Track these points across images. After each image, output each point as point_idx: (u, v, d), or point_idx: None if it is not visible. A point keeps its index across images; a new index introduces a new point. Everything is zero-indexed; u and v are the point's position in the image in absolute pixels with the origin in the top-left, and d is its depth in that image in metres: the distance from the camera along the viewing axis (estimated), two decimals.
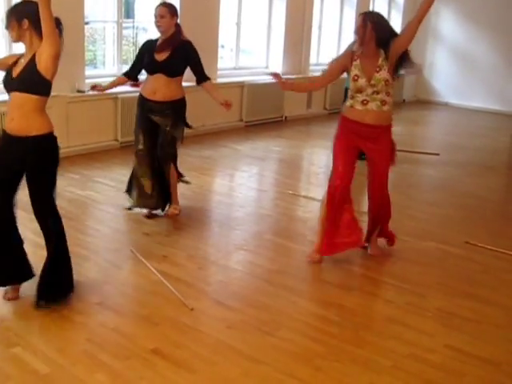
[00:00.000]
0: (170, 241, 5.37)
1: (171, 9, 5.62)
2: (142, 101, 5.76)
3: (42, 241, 4.11)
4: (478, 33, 13.59)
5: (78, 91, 7.93)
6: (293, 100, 11.25)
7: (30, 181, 3.98)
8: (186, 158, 7.93)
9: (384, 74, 4.68)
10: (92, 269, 4.74)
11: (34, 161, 3.93)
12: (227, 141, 9.28)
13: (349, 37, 12.50)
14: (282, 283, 4.62)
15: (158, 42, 5.67)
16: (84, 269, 4.70)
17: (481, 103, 13.51)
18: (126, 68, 8.71)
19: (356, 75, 4.74)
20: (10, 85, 3.92)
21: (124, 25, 8.85)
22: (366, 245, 5.22)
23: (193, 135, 9.28)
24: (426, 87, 14.56)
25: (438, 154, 9.01)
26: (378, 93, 4.71)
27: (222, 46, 10.66)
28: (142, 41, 8.55)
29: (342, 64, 4.88)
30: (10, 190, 4.02)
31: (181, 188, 6.06)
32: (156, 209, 5.87)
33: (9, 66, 3.99)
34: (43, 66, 3.81)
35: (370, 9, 13.23)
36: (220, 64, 10.15)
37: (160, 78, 5.61)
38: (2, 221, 4.03)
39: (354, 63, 4.76)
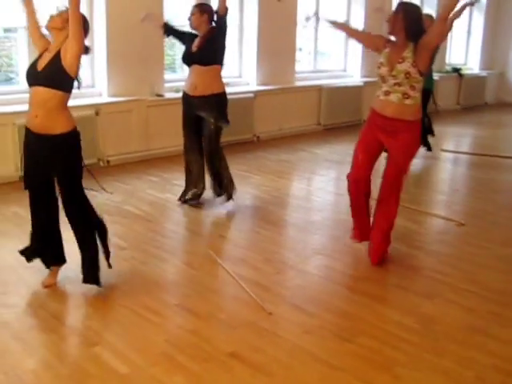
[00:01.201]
0: (248, 244, 5.37)
1: (201, 7, 5.94)
2: (186, 97, 6.06)
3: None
4: None
5: (157, 95, 8.05)
6: (371, 103, 11.12)
7: (61, 180, 4.09)
8: (264, 162, 7.95)
9: (406, 66, 4.55)
10: (170, 270, 4.79)
11: (61, 160, 4.00)
12: (305, 144, 9.25)
13: None
14: (360, 289, 4.55)
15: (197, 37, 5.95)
16: (162, 270, 4.76)
17: None
18: None
19: (380, 62, 4.70)
20: (35, 78, 3.94)
21: None
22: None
23: (270, 138, 9.34)
24: (509, 89, 14.16)
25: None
26: (399, 85, 4.60)
27: (300, 49, 10.64)
28: None
29: (377, 41, 4.88)
30: (48, 189, 4.15)
31: (259, 192, 6.07)
32: (199, 195, 6.21)
33: (41, 45, 4.06)
34: (68, 63, 3.86)
35: None
36: (298, 67, 10.13)
37: (196, 70, 5.90)
38: (47, 221, 4.24)
39: (384, 50, 4.72)
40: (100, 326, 3.90)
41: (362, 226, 5.11)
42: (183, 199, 6.22)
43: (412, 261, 5.11)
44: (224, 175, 6.10)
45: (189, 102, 6.01)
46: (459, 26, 13.26)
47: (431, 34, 4.54)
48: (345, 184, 7.58)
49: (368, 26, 10.92)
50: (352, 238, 5.22)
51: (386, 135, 4.74)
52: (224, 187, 6.12)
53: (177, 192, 6.58)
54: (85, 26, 3.97)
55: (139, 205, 6.13)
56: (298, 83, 10.00)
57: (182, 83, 8.59)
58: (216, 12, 5.85)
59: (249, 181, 7.18)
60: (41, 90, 3.89)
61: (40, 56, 4.01)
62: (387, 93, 4.68)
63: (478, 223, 5.90)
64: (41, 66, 3.92)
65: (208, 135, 5.97)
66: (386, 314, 4.18)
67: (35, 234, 4.26)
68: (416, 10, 4.72)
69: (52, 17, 3.99)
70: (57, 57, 3.88)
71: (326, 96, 10.30)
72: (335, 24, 5.44)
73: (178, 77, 8.99)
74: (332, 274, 4.81)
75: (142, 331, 3.83)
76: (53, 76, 3.87)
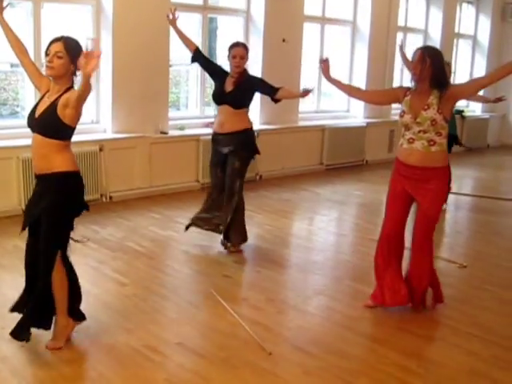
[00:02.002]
0: (250, 284, 5.35)
1: (247, 49, 5.84)
2: (214, 136, 6.02)
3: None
4: None
5: (162, 132, 8.10)
6: (374, 144, 11.22)
7: (42, 221, 3.82)
8: (266, 201, 7.96)
9: (432, 112, 4.43)
10: (172, 309, 4.77)
11: (48, 197, 3.79)
12: (307, 184, 9.27)
13: None
14: (361, 330, 4.53)
15: (228, 77, 5.83)
16: (164, 308, 4.74)
17: None
18: (208, 110, 8.95)
19: (403, 111, 4.58)
20: (32, 125, 3.83)
21: None
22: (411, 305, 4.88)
23: (273, 178, 9.36)
24: (511, 131, 14.23)
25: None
26: (425, 132, 4.46)
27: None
28: None
29: (396, 93, 4.76)
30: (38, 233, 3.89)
31: (261, 231, 6.06)
32: (213, 231, 6.10)
33: (43, 86, 3.88)
34: (68, 114, 3.69)
35: (454, 51, 13.15)
36: (301, 107, 10.20)
37: (226, 110, 5.81)
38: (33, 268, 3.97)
39: (405, 99, 4.60)
40: (99, 364, 3.86)
41: (382, 286, 4.83)
42: (193, 218, 6.19)
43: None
44: (236, 220, 5.96)
45: (216, 139, 5.96)
46: (462, 68, 13.42)
47: (469, 88, 4.53)
48: (347, 224, 7.68)
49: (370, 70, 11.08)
50: (370, 300, 4.92)
51: (412, 185, 4.59)
52: (232, 232, 5.99)
53: (179, 230, 6.58)
54: (78, 48, 3.74)
55: (141, 241, 6.13)
56: (302, 123, 10.07)
57: (186, 121, 8.76)
58: (275, 90, 5.79)
59: (251, 220, 7.17)
60: (37, 136, 3.78)
61: (41, 98, 3.88)
62: (411, 140, 4.53)
63: (480, 265, 5.87)
64: (38, 111, 3.80)
65: (230, 174, 5.88)
66: (387, 356, 4.15)
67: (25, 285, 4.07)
68: (441, 56, 4.58)
69: (48, 65, 3.72)
70: (53, 106, 3.72)
71: (329, 136, 10.36)
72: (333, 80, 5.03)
73: (182, 114, 9.09)
74: (333, 315, 4.79)
75: (142, 370, 3.80)
76: (48, 126, 3.75)
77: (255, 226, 6.96)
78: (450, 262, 6.07)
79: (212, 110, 8.94)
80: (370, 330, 4.54)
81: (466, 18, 13.58)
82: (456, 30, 13.15)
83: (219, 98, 5.88)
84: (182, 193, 8.21)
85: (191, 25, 8.93)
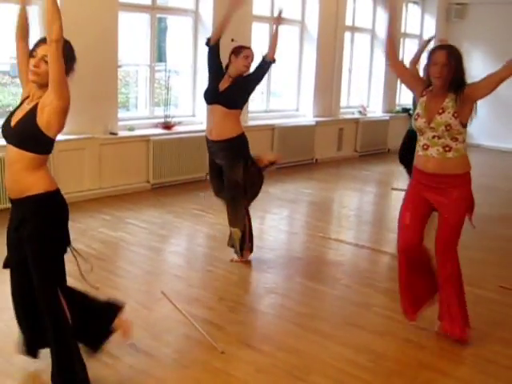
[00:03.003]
0: (201, 283, 5.36)
1: (253, 51, 5.73)
2: (207, 142, 5.69)
3: None
4: None
5: (111, 133, 8.04)
6: (323, 142, 11.33)
7: (28, 255, 3.32)
8: (216, 201, 7.96)
9: (447, 117, 4.09)
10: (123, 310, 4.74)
11: (29, 227, 3.28)
12: None
13: (379, 79, 12.62)
14: (312, 327, 4.57)
15: (226, 76, 5.59)
16: None
17: (510, 144, 13.41)
18: (158, 110, 8.91)
19: (417, 114, 4.25)
20: (6, 135, 3.33)
21: (156, 68, 8.99)
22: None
23: None
24: None
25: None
26: (439, 137, 4.14)
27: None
28: (173, 83, 8.73)
29: (418, 83, 4.40)
30: (27, 269, 3.37)
31: (212, 230, 6.06)
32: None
33: (27, 89, 3.42)
34: (45, 120, 3.20)
35: (401, 51, 13.34)
36: (251, 107, 10.22)
37: (217, 111, 5.50)
38: (27, 305, 3.59)
39: (421, 99, 4.27)
40: (48, 366, 3.82)
41: (413, 302, 4.55)
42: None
43: (363, 298, 5.15)
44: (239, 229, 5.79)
45: (208, 146, 5.68)
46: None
47: (485, 88, 4.13)
48: (298, 222, 7.74)
49: None
50: (408, 318, 4.60)
51: (432, 193, 4.27)
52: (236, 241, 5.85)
53: (130, 231, 6.55)
54: (70, 52, 3.45)
55: (91, 243, 6.08)
56: (251, 122, 10.08)
57: (136, 121, 8.70)
58: (264, 57, 5.71)
59: (202, 219, 7.19)
60: (12, 148, 3.27)
61: (20, 104, 3.41)
62: (425, 147, 4.21)
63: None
64: (15, 120, 3.29)
65: (227, 186, 5.67)
66: (338, 352, 4.20)
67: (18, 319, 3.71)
68: (462, 58, 4.22)
69: (33, 70, 3.27)
70: (32, 112, 3.23)
71: (279, 135, 10.41)
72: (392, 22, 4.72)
73: (131, 115, 9.03)
74: (284, 313, 4.83)
75: (93, 372, 3.76)
76: (23, 136, 3.24)
77: (206, 225, 6.98)
78: None
79: (161, 110, 8.94)
80: (321, 326, 4.59)
81: (412, 17, 13.79)
82: (402, 30, 13.35)
83: (211, 96, 5.57)
84: (133, 194, 8.17)
85: (140, 25, 8.89)
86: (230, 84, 5.54)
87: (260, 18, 10.21)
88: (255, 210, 8.04)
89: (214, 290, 5.21)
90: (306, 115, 11.35)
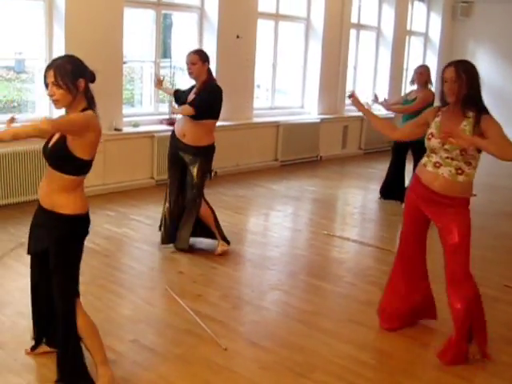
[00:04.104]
0: (205, 280, 5.36)
1: (202, 56, 5.69)
2: (173, 138, 5.86)
3: None
4: None
5: (116, 129, 8.04)
6: (328, 140, 11.31)
7: (50, 263, 3.45)
8: (222, 197, 7.97)
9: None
10: (126, 306, 4.75)
11: (53, 241, 3.38)
12: (262, 180, 9.30)
13: (384, 77, 12.60)
14: (316, 324, 4.57)
15: (195, 87, 5.78)
16: (118, 306, 4.72)
17: None
18: (163, 106, 8.92)
19: (431, 134, 4.06)
20: (45, 155, 3.41)
21: (161, 64, 8.99)
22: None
23: (227, 174, 9.36)
24: None
25: (474, 195, 8.90)
26: (452, 159, 3.97)
27: (258, 86, 10.76)
28: (178, 80, 8.74)
29: (426, 117, 4.22)
30: (46, 265, 3.50)
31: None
32: (166, 243, 6.00)
33: None
34: (77, 145, 3.27)
35: (406, 49, 13.32)
36: (256, 104, 10.23)
37: (187, 120, 5.67)
38: (44, 297, 3.67)
39: (436, 119, 4.09)
40: (52, 363, 3.83)
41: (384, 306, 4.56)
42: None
43: (367, 296, 5.15)
44: (211, 226, 5.98)
45: (176, 142, 5.80)
46: (414, 64, 13.58)
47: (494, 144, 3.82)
48: (302, 219, 7.73)
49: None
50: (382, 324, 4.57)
51: (432, 210, 4.15)
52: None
53: (134, 227, 6.56)
54: (83, 68, 3.36)
55: (96, 239, 6.08)
56: (256, 119, 10.09)
57: (140, 118, 8.70)
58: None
59: None
60: (49, 168, 3.37)
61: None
62: (437, 165, 4.03)
63: (430, 259, 5.96)
64: (53, 140, 3.34)
65: (190, 183, 5.80)
66: (341, 349, 4.20)
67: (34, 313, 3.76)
68: (477, 71, 4.00)
69: (52, 99, 3.31)
70: (63, 136, 3.28)
71: (283, 132, 10.40)
72: (369, 113, 4.61)
73: (136, 111, 9.03)
74: (288, 310, 4.83)
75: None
76: (56, 157, 3.32)
77: None
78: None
79: (166, 106, 8.94)
80: (325, 324, 4.59)
81: (418, 15, 13.76)
82: (408, 28, 13.32)
83: (180, 105, 5.80)
84: (137, 190, 8.17)
85: (145, 21, 8.89)
86: (196, 95, 5.69)
87: (265, 15, 10.19)
88: (259, 207, 8.07)
89: (218, 286, 5.22)
90: (311, 112, 11.33)
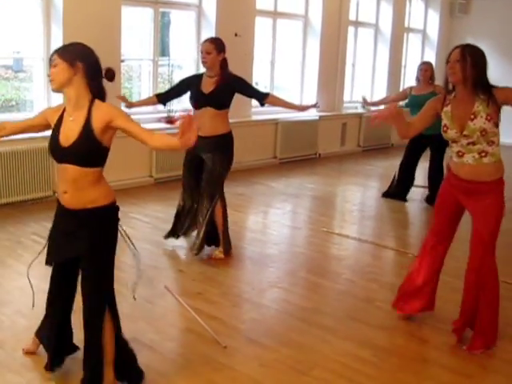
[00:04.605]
0: (204, 278, 5.35)
1: (218, 45, 5.55)
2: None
3: None
4: None
5: None
6: (326, 137, 11.31)
7: (83, 263, 3.38)
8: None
9: (480, 122, 3.88)
10: (125, 304, 4.73)
11: (88, 236, 3.30)
12: (261, 178, 9.31)
13: (382, 74, 12.60)
14: (316, 322, 4.57)
15: (204, 77, 5.63)
16: (118, 304, 4.68)
17: None
18: (161, 105, 8.88)
19: (445, 125, 4.04)
20: (61, 155, 3.27)
21: (159, 62, 8.98)
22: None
23: None
24: None
25: None
26: (474, 144, 3.95)
27: (256, 84, 10.73)
28: (177, 78, 8.72)
29: (433, 107, 4.17)
30: (71, 274, 3.55)
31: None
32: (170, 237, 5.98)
33: (48, 125, 3.40)
34: (109, 136, 3.29)
35: (404, 46, 13.32)
36: (254, 101, 10.18)
37: (207, 112, 5.51)
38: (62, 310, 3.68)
39: (445, 109, 4.06)
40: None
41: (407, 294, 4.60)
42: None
43: (366, 293, 5.15)
44: (219, 226, 5.81)
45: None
46: (412, 61, 13.59)
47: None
48: (301, 217, 7.72)
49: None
50: (398, 310, 4.67)
51: (465, 197, 4.14)
52: (218, 238, 5.85)
53: (133, 225, 6.55)
54: (86, 54, 3.42)
55: None
56: (255, 117, 10.09)
57: (138, 116, 8.68)
58: (263, 96, 5.83)
59: None
60: (70, 168, 3.24)
61: (58, 124, 3.31)
62: (460, 154, 4.03)
63: None
64: (67, 139, 3.23)
65: (206, 179, 5.66)
66: (341, 347, 4.20)
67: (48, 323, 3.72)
68: (484, 56, 3.99)
69: (50, 80, 3.31)
70: (88, 129, 3.22)
71: (282, 130, 10.41)
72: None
73: (134, 110, 8.96)
74: (287, 307, 4.83)
75: None
76: (85, 154, 3.23)
77: None
78: (403, 253, 6.15)
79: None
80: (325, 321, 4.58)
81: (416, 12, 13.75)
82: (406, 25, 13.32)
83: (198, 100, 5.59)
84: (136, 188, 8.17)
85: (143, 19, 8.88)
86: (216, 85, 5.55)
87: (263, 12, 10.19)
88: (258, 204, 8.07)
89: (218, 284, 5.21)
90: (310, 110, 11.30)
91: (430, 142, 7.77)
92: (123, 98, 5.98)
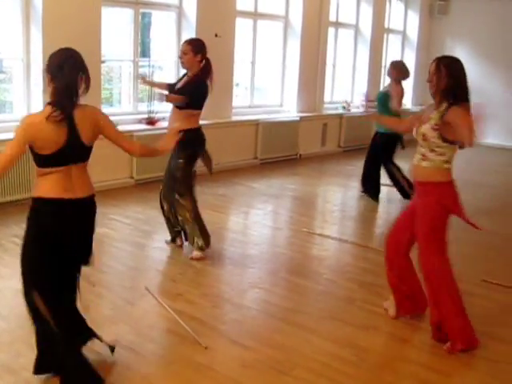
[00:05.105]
0: (185, 279, 5.35)
1: (194, 46, 5.57)
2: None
3: None
4: (491, 70, 13.67)
5: None
6: (307, 138, 11.33)
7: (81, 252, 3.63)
8: (201, 196, 7.93)
9: (427, 127, 4.13)
10: (106, 306, 4.73)
11: (91, 225, 3.63)
12: (242, 178, 9.31)
13: (362, 75, 12.66)
14: (296, 322, 4.59)
15: (185, 77, 5.73)
16: (98, 306, 4.70)
17: (494, 140, 13.49)
18: (142, 106, 8.88)
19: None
20: (79, 154, 3.58)
21: (140, 63, 8.96)
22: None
23: (207, 173, 9.33)
24: None
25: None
26: (421, 146, 4.21)
27: (237, 85, 10.76)
28: (157, 79, 8.71)
29: (424, 111, 4.40)
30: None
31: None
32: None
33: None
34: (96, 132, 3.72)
35: (384, 46, 13.38)
36: (235, 102, 10.23)
37: (173, 109, 5.64)
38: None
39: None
40: (31, 365, 3.81)
41: (413, 295, 4.66)
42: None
43: (347, 293, 5.18)
44: (189, 224, 5.78)
45: None
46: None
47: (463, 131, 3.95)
48: (282, 217, 7.74)
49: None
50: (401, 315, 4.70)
51: (416, 196, 4.44)
52: (188, 237, 5.85)
53: (114, 226, 6.53)
54: (50, 65, 3.60)
55: None
56: (235, 118, 10.09)
57: (119, 117, 8.68)
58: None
59: None
60: (78, 165, 3.57)
61: (73, 129, 3.51)
62: (414, 155, 4.33)
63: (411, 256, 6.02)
64: (85, 137, 3.59)
65: (173, 176, 5.70)
66: (322, 347, 4.22)
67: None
68: (460, 66, 4.14)
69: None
70: (95, 127, 3.74)
71: (263, 131, 10.41)
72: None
73: (115, 111, 8.98)
74: (268, 308, 4.84)
75: None
76: (90, 150, 3.69)
77: None
78: (382, 252, 6.18)
79: (145, 106, 8.91)
80: (305, 321, 4.60)
81: (396, 13, 13.83)
82: (386, 26, 13.39)
83: (169, 93, 5.71)
84: (116, 189, 8.14)
85: (123, 20, 8.86)
86: (183, 84, 5.65)
87: (244, 14, 10.20)
88: (239, 205, 8.08)
89: (198, 285, 5.21)
90: (290, 111, 11.35)
91: (381, 139, 8.18)
92: (144, 79, 6.40)
